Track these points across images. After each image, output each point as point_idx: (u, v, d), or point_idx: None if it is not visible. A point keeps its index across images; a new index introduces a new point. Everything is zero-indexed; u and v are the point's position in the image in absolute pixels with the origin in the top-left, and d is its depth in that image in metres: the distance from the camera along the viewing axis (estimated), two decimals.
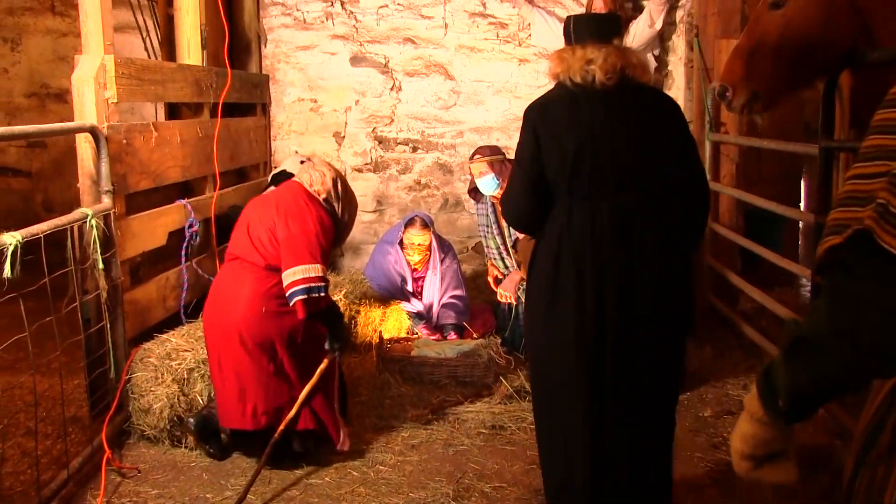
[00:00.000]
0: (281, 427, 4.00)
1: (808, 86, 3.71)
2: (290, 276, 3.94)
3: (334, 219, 4.33)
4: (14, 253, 3.28)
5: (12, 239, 3.30)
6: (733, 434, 1.78)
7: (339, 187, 4.37)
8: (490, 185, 5.70)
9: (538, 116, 3.16)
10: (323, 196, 4.31)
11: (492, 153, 5.76)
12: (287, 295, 3.94)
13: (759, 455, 1.73)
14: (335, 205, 4.34)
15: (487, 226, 5.92)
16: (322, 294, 3.99)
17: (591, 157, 3.03)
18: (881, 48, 3.39)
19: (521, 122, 6.66)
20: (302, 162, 6.93)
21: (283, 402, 4.07)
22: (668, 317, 3.07)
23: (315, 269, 3.97)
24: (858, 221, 1.46)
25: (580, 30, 3.18)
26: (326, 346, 4.16)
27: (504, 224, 5.79)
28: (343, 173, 4.57)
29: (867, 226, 1.43)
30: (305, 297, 3.92)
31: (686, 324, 3.21)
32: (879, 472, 1.62)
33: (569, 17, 3.28)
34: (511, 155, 5.92)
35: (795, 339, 1.61)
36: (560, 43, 6.78)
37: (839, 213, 1.54)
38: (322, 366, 4.10)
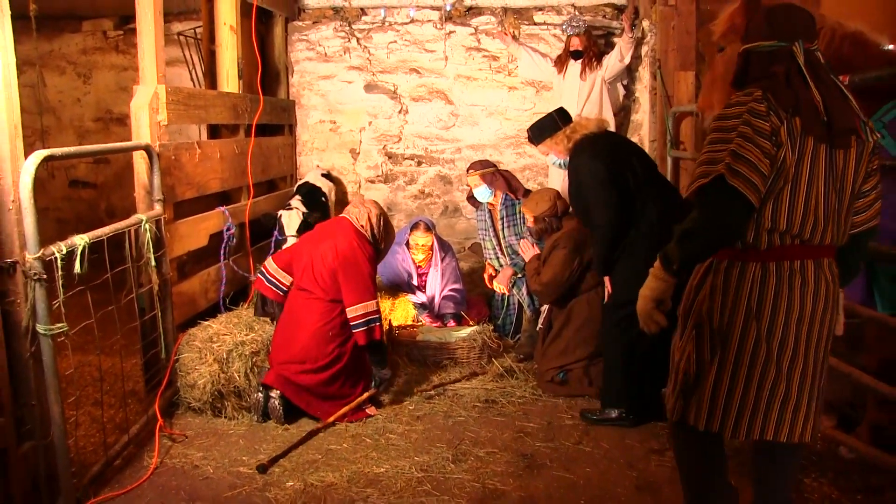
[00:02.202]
0: (320, 425, 4.28)
1: None
2: (352, 311, 4.37)
3: (376, 247, 4.62)
4: (83, 252, 3.34)
5: (81, 240, 3.36)
6: (643, 288, 2.58)
7: (382, 223, 4.65)
8: (484, 194, 5.77)
9: (603, 157, 4.22)
10: (369, 232, 4.57)
11: (483, 167, 5.82)
12: (351, 326, 4.39)
13: (656, 299, 2.55)
14: (378, 238, 4.63)
15: (485, 229, 5.97)
16: (378, 323, 4.39)
17: (643, 171, 4.27)
18: None
19: (510, 141, 6.87)
20: (323, 175, 7.03)
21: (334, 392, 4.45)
22: None
23: (372, 305, 4.39)
24: (716, 171, 2.37)
25: (566, 117, 4.60)
26: (373, 384, 4.63)
27: (499, 227, 5.86)
28: (384, 209, 4.80)
29: (722, 172, 2.36)
30: (366, 327, 4.36)
31: None
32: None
33: (554, 114, 4.63)
34: (501, 166, 6.03)
35: (682, 231, 2.45)
36: (543, 75, 7.01)
37: (703, 168, 2.44)
38: (360, 398, 4.46)
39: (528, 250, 5.22)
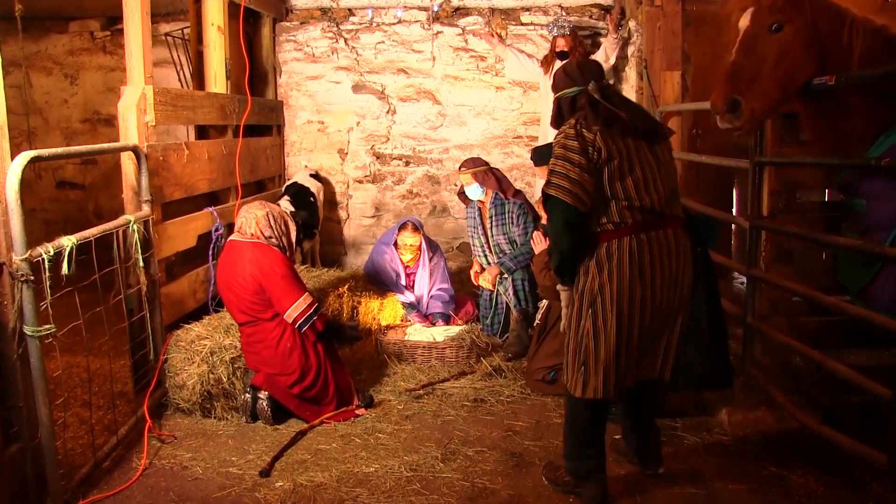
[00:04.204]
0: (307, 427, 4.27)
1: (785, 104, 3.63)
2: (289, 316, 4.32)
3: (279, 244, 4.47)
4: (70, 253, 3.32)
5: (69, 241, 3.35)
6: (562, 300, 3.37)
7: (270, 220, 4.46)
8: (476, 192, 5.79)
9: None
10: (261, 238, 4.41)
11: (475, 165, 5.83)
12: (297, 328, 4.34)
13: (567, 304, 3.31)
14: (273, 237, 4.45)
15: (474, 227, 5.97)
16: (316, 317, 4.34)
17: None
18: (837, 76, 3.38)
19: (498, 140, 6.86)
20: (311, 175, 7.02)
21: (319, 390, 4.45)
22: None
23: (303, 301, 4.33)
24: (545, 191, 3.16)
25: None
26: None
27: (488, 226, 5.86)
28: (276, 205, 4.70)
29: (545, 191, 3.16)
30: (308, 324, 4.33)
31: None
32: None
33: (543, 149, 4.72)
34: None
35: (549, 251, 3.43)
36: (529, 76, 7.02)
37: (542, 195, 3.20)
38: (335, 413, 4.42)
39: (539, 243, 5.09)
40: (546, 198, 3.16)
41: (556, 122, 3.37)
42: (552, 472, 3.62)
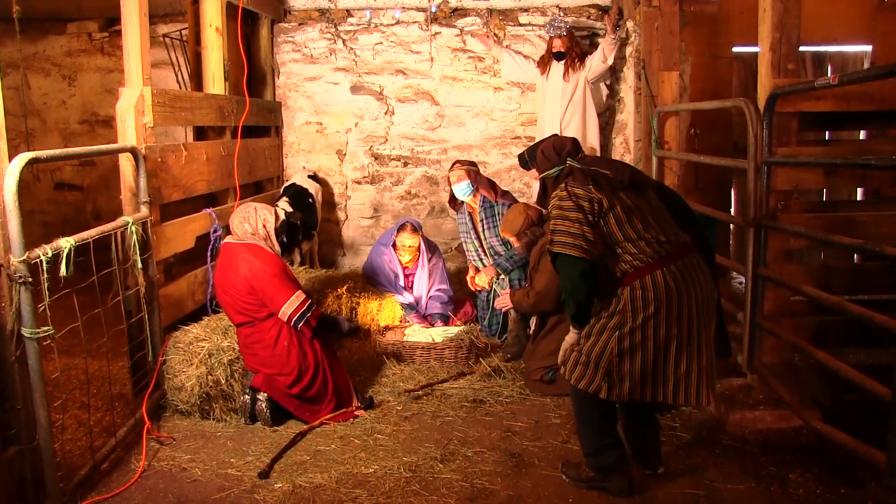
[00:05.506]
0: (306, 428, 4.26)
1: None
2: (283, 314, 4.30)
3: (269, 244, 4.46)
4: (69, 254, 3.31)
5: (67, 243, 3.34)
6: (565, 340, 3.46)
7: (256, 219, 4.46)
8: (466, 191, 5.76)
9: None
10: (251, 238, 4.41)
11: (468, 164, 5.84)
12: (291, 326, 4.32)
13: (570, 346, 3.44)
14: (269, 239, 4.46)
15: (466, 232, 5.96)
16: (311, 313, 4.33)
17: None
18: None
19: (496, 141, 6.81)
20: (310, 176, 7.01)
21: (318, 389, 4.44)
22: None
23: (296, 299, 4.31)
24: (551, 248, 3.30)
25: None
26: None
27: (480, 229, 5.86)
28: (272, 207, 4.68)
29: (550, 248, 3.31)
30: (303, 321, 4.30)
31: None
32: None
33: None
34: (488, 167, 5.99)
35: (564, 301, 3.43)
36: (526, 77, 7.00)
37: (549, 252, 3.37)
38: (335, 414, 4.42)
39: (505, 303, 5.35)
40: (554, 257, 3.30)
41: (542, 200, 3.63)
42: (573, 469, 3.66)
